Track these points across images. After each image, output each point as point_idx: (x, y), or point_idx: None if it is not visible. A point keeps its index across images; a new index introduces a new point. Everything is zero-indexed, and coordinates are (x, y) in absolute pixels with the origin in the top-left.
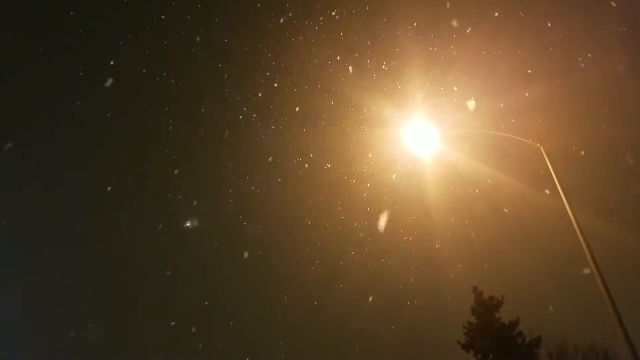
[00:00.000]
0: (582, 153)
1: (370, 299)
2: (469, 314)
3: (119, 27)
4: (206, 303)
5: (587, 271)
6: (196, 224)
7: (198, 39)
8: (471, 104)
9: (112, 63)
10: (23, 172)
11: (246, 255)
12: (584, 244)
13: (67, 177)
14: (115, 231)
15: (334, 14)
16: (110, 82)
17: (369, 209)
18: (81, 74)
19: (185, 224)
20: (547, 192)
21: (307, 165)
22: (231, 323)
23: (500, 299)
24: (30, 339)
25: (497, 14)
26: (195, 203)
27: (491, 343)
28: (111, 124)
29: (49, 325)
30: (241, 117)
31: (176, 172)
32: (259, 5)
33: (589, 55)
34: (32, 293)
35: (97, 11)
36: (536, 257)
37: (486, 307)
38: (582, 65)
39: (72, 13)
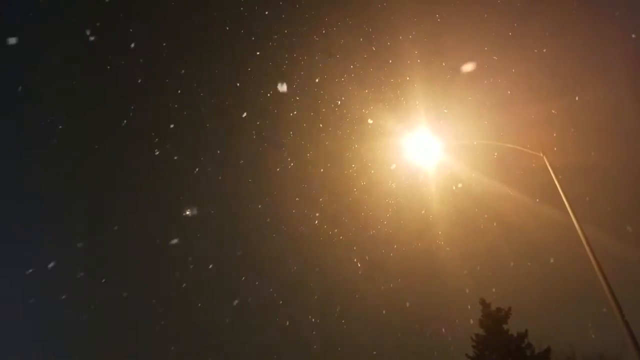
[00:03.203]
0: (588, 166)
1: (374, 310)
2: (477, 326)
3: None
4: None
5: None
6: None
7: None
8: (473, 115)
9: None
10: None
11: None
12: (590, 255)
13: (66, 175)
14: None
15: (336, 26)
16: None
17: (371, 220)
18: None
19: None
20: (552, 204)
21: (312, 175)
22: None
23: (508, 310)
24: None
25: (500, 27)
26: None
27: (500, 355)
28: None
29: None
30: (242, 127)
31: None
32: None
33: (594, 70)
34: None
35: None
36: (543, 269)
37: (494, 319)
38: (587, 79)
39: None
